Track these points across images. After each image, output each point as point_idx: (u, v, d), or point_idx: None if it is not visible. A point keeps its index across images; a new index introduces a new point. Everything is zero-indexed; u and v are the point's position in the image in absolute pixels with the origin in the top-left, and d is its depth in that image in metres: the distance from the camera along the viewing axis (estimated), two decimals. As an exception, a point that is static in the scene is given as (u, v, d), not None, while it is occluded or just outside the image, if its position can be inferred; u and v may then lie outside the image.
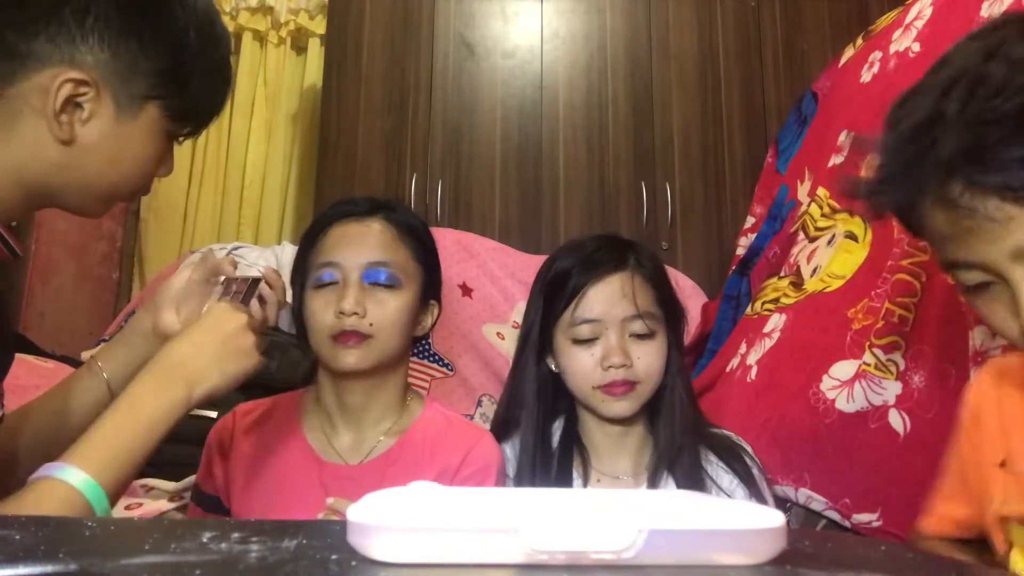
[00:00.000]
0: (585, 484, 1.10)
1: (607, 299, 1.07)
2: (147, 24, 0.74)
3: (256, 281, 0.93)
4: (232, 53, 2.95)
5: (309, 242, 1.05)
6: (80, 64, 0.71)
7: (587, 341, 1.07)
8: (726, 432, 1.14)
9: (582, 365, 1.07)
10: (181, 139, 0.83)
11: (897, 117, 0.66)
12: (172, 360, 0.77)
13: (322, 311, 0.99)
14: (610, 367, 1.04)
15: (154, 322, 0.91)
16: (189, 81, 0.78)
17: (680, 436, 1.08)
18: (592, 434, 1.13)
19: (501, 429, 1.14)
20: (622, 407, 1.06)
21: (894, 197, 0.66)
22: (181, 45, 0.76)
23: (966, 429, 0.83)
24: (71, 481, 0.64)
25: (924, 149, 0.61)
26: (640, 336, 1.07)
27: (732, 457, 1.09)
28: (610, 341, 1.05)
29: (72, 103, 0.72)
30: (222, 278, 0.93)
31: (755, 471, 1.09)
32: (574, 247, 1.14)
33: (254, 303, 0.91)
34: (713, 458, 1.09)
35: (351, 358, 0.97)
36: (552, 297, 1.10)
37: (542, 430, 1.12)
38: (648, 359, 1.06)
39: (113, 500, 0.67)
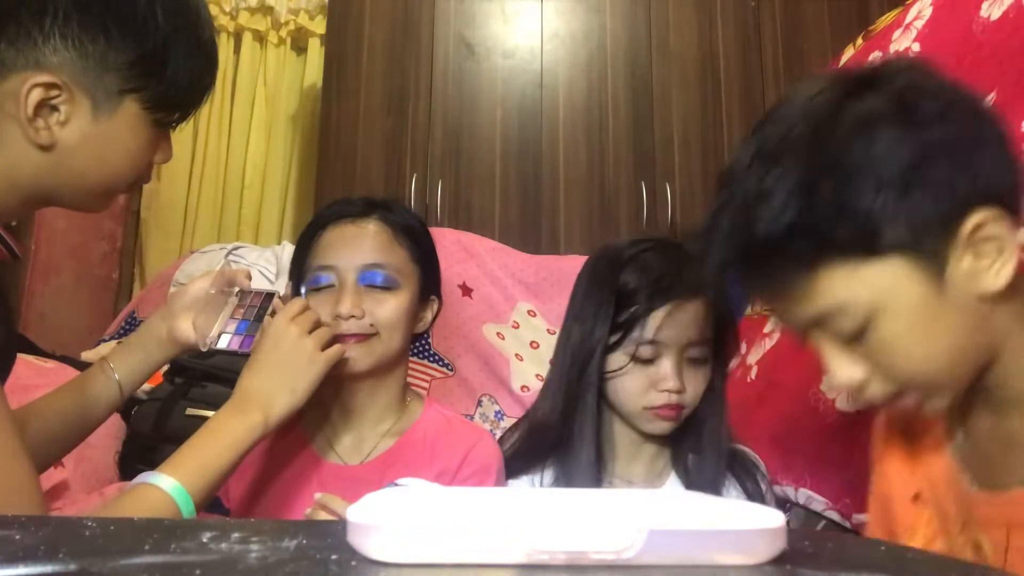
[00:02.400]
0: (599, 486, 1.09)
1: (679, 325, 1.03)
2: (109, 16, 0.71)
3: (270, 296, 0.95)
4: (232, 53, 2.95)
5: (305, 243, 1.04)
6: (46, 66, 0.69)
7: (646, 361, 1.04)
8: (744, 448, 1.13)
9: (637, 385, 1.04)
10: (174, 126, 0.81)
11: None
12: (244, 391, 0.84)
13: (319, 314, 0.98)
14: (665, 391, 1.02)
15: (169, 329, 0.93)
16: (165, 68, 0.75)
17: (717, 465, 1.06)
18: (616, 439, 1.11)
19: (528, 458, 1.08)
20: (665, 427, 1.05)
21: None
22: (149, 33, 0.73)
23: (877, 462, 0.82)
24: (163, 486, 0.72)
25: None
26: (695, 363, 1.04)
27: (745, 474, 1.08)
28: (668, 366, 1.02)
29: (46, 107, 0.70)
30: (236, 289, 0.95)
31: (763, 488, 1.09)
32: (637, 260, 1.07)
33: (267, 319, 0.93)
34: (728, 473, 1.08)
35: (351, 358, 0.97)
36: (618, 312, 1.05)
37: (593, 439, 1.07)
38: (697, 385, 1.04)
39: (199, 507, 0.74)
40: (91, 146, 0.73)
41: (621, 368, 1.05)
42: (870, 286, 0.62)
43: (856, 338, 0.65)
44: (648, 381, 1.04)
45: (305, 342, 0.86)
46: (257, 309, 0.94)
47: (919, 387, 0.66)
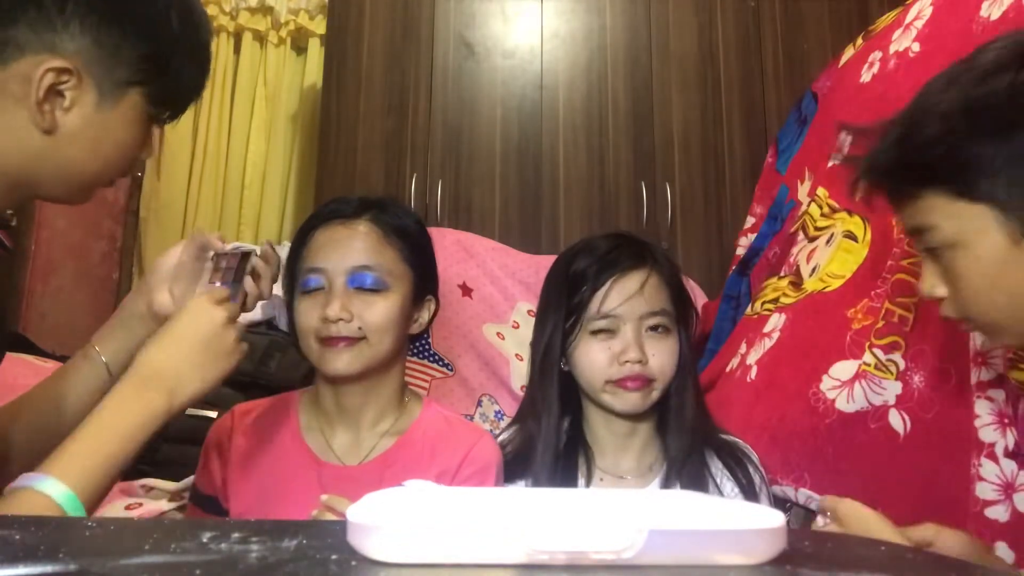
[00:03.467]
0: (588, 483, 1.10)
1: (627, 295, 1.07)
2: (128, 9, 0.73)
3: (247, 255, 0.89)
4: (232, 53, 2.95)
5: (298, 244, 1.04)
6: (62, 51, 0.69)
7: (604, 335, 1.07)
8: (735, 439, 1.14)
9: (597, 359, 1.07)
10: (162, 123, 0.82)
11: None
12: (151, 369, 0.76)
13: (308, 316, 0.98)
14: (626, 362, 1.05)
15: (148, 303, 0.89)
16: (170, 65, 0.77)
17: (691, 441, 1.09)
18: (598, 432, 1.13)
19: (521, 461, 1.10)
20: (634, 400, 1.06)
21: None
22: (162, 29, 0.75)
23: None
24: (51, 493, 0.64)
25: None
26: (656, 333, 1.08)
27: (737, 465, 1.09)
28: (627, 336, 1.06)
29: (53, 91, 0.70)
30: (211, 253, 0.91)
31: (757, 482, 1.09)
32: (587, 248, 1.14)
33: (247, 279, 0.88)
34: (719, 464, 1.09)
35: (340, 362, 0.97)
36: (571, 296, 1.10)
37: (558, 432, 1.11)
38: (663, 357, 1.07)
39: (90, 510, 0.67)
40: (89, 134, 0.74)
41: (579, 346, 1.08)
42: (958, 221, 0.73)
43: (941, 259, 0.77)
44: (610, 354, 1.07)
45: (229, 332, 0.80)
46: (235, 271, 0.88)
47: (981, 324, 0.78)
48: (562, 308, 1.11)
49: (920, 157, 0.75)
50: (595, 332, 1.08)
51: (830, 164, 1.57)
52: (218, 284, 0.87)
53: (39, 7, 0.69)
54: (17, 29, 0.69)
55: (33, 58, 0.69)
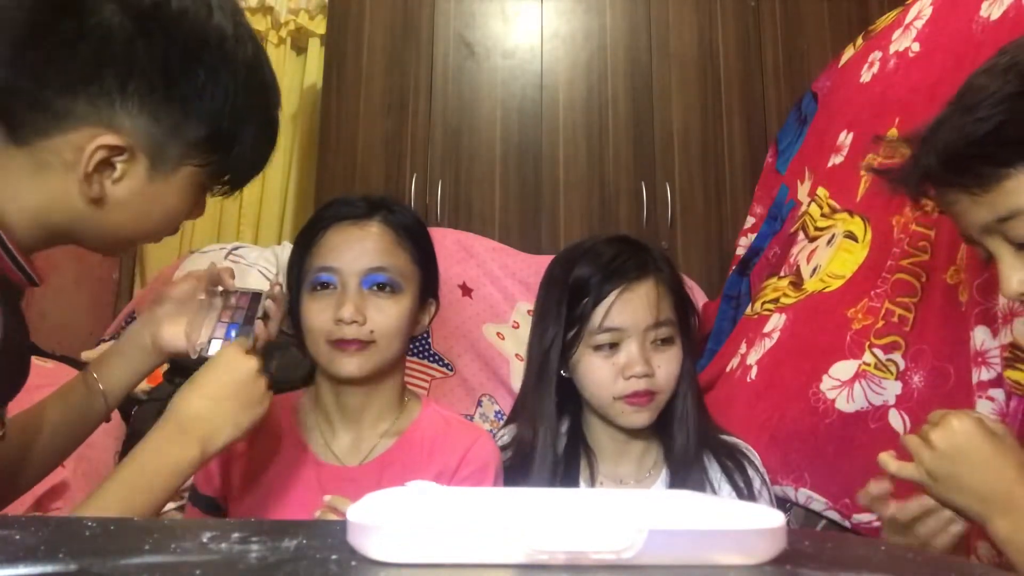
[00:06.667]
0: (592, 486, 1.10)
1: (632, 308, 1.04)
2: (191, 91, 0.70)
3: (257, 296, 0.92)
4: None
5: (306, 243, 1.03)
6: (118, 127, 0.68)
7: (608, 350, 1.05)
8: (735, 440, 1.12)
9: (603, 375, 1.05)
10: (217, 194, 0.80)
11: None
12: (187, 415, 0.79)
13: (320, 317, 0.97)
14: (632, 376, 1.03)
15: (153, 336, 0.90)
16: (233, 146, 0.75)
17: (695, 447, 1.07)
18: (597, 438, 1.12)
19: (519, 469, 1.08)
20: (643, 418, 1.04)
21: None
22: (228, 111, 0.73)
23: None
24: None
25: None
26: (661, 344, 1.05)
27: (736, 467, 1.08)
28: (632, 351, 1.03)
29: (105, 163, 0.69)
30: (220, 289, 0.92)
31: (756, 484, 1.08)
32: (588, 254, 1.10)
33: (258, 323, 0.90)
34: (716, 466, 1.08)
35: (351, 365, 0.96)
36: (571, 307, 1.07)
37: (555, 441, 1.10)
38: (668, 367, 1.05)
39: None
40: (136, 203, 0.72)
41: (582, 360, 1.06)
42: None
43: None
44: (615, 369, 1.04)
45: (261, 381, 0.83)
46: (246, 311, 0.91)
47: None
48: (562, 318, 1.07)
49: (1003, 137, 0.68)
50: (598, 347, 1.05)
51: (830, 164, 1.57)
52: (227, 324, 0.90)
53: (102, 83, 0.67)
54: (77, 101, 0.67)
55: (89, 130, 0.67)
